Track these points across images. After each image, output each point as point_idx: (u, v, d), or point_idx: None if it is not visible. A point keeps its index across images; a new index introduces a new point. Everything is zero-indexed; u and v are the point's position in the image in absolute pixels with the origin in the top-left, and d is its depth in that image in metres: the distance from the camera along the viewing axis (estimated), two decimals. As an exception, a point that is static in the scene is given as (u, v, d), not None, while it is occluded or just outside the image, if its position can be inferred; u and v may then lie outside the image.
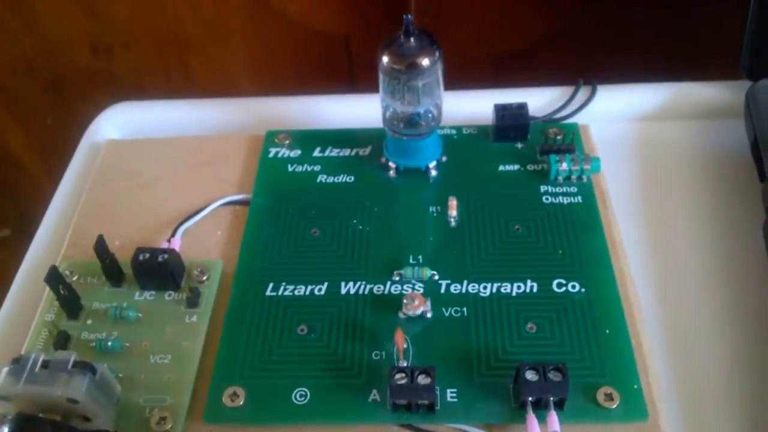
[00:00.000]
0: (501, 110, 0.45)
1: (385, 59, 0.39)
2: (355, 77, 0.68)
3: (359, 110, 0.50)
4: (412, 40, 0.39)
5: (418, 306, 0.36)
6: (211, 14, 0.64)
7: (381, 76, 0.40)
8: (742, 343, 0.38)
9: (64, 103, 0.72)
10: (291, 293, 0.38)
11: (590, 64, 0.58)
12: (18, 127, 0.75)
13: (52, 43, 0.67)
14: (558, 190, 0.42)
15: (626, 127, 0.49)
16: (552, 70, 0.52)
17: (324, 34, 0.65)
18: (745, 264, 0.41)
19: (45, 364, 0.31)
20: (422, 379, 0.32)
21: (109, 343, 0.36)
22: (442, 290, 0.38)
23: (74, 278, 0.39)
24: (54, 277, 0.36)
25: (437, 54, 0.39)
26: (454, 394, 0.34)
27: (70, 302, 0.37)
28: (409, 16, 0.38)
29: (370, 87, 0.49)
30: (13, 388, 0.30)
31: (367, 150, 0.45)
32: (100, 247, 0.37)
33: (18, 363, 0.31)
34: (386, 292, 0.38)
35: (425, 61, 0.39)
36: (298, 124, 0.49)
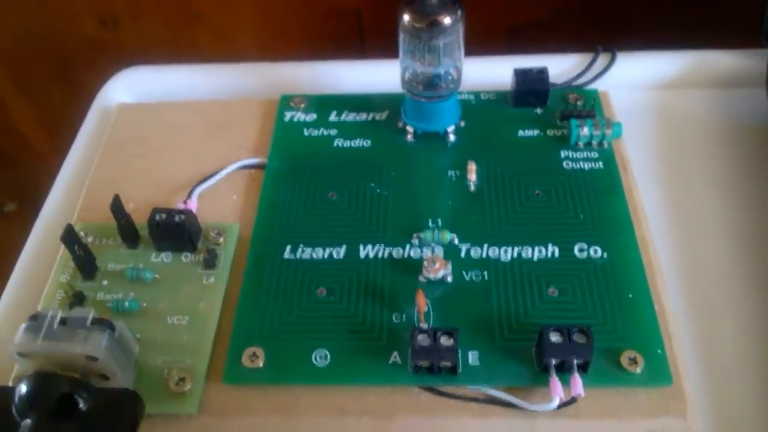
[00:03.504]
0: (521, 75, 0.44)
1: (406, 17, 0.38)
2: (366, 50, 0.67)
3: (372, 76, 0.49)
4: (434, -2, 0.38)
5: (439, 269, 0.36)
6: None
7: (401, 35, 0.39)
8: (764, 309, 0.37)
9: (71, 76, 0.71)
10: (309, 256, 0.38)
11: (605, 37, 0.57)
12: (24, 101, 0.74)
13: (60, 15, 0.66)
14: (578, 155, 0.42)
15: (645, 95, 0.48)
16: (567, 43, 0.51)
17: (335, 8, 0.64)
18: (764, 232, 0.40)
19: (63, 321, 0.31)
20: (445, 341, 0.32)
21: (126, 304, 0.35)
22: (462, 254, 0.37)
23: (89, 239, 0.39)
24: (70, 236, 0.35)
25: (459, 13, 0.38)
26: (476, 357, 0.33)
27: (85, 262, 0.37)
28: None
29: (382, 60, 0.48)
30: (32, 345, 0.30)
31: (384, 114, 0.45)
32: (117, 207, 0.37)
33: (36, 320, 0.31)
34: (405, 255, 0.38)
35: (447, 20, 0.38)
36: (309, 90, 0.48)
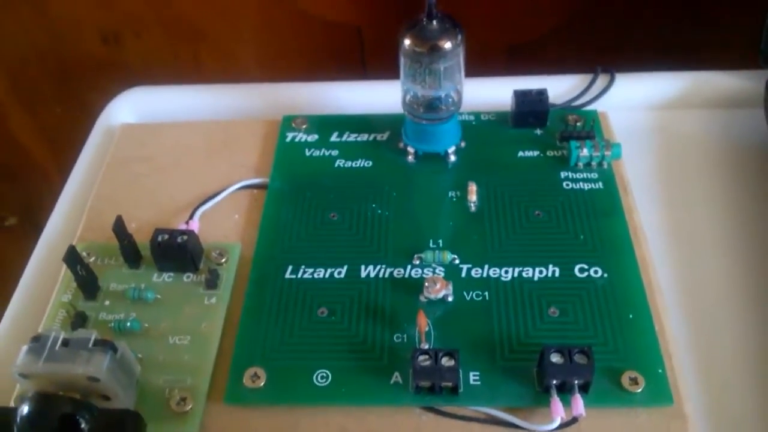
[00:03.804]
0: (521, 96, 0.44)
1: (407, 41, 0.39)
2: (367, 68, 0.68)
3: (373, 97, 0.50)
4: (434, 22, 0.38)
5: (440, 289, 0.36)
6: (222, 4, 0.64)
7: (402, 59, 0.40)
8: (763, 329, 0.37)
9: (73, 92, 0.71)
10: (310, 276, 0.38)
11: (604, 56, 0.58)
12: (26, 116, 0.75)
13: (63, 31, 0.66)
14: (578, 176, 0.42)
15: (644, 116, 0.49)
16: (565, 62, 0.52)
17: (336, 24, 0.65)
18: (764, 252, 0.41)
19: (65, 342, 0.31)
20: (446, 361, 0.32)
21: (128, 324, 0.36)
22: (463, 274, 0.38)
23: (91, 259, 0.39)
24: (72, 257, 0.36)
25: (459, 37, 0.39)
26: (477, 377, 0.33)
27: (87, 283, 0.37)
28: (433, -1, 0.38)
29: (383, 78, 0.49)
30: (34, 366, 0.30)
31: (385, 135, 0.45)
32: (119, 228, 0.37)
33: (38, 341, 0.31)
34: (406, 275, 0.38)
35: (447, 44, 0.38)
36: (311, 110, 0.48)
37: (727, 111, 0.49)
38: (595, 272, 0.37)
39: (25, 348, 0.31)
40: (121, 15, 0.65)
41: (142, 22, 0.66)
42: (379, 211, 0.41)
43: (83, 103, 0.70)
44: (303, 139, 0.45)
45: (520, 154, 0.44)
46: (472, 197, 0.41)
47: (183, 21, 0.65)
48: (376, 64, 0.67)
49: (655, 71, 0.50)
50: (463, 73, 0.41)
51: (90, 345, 0.31)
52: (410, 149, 0.43)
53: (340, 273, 0.38)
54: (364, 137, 0.45)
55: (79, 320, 0.36)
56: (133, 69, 0.69)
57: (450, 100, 0.41)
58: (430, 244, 0.39)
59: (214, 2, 0.64)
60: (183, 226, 0.40)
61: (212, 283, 0.37)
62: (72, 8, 0.65)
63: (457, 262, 0.38)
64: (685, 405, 0.33)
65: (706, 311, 0.38)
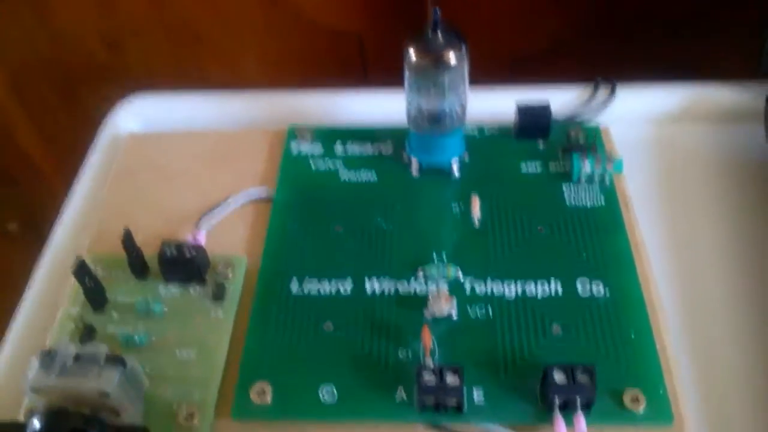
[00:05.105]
0: (524, 110, 0.45)
1: (411, 54, 0.39)
2: (369, 76, 0.68)
3: (376, 106, 0.50)
4: (439, 35, 0.39)
5: (445, 305, 0.36)
6: (224, 11, 0.64)
7: (406, 72, 0.40)
8: (765, 347, 0.38)
9: (75, 98, 0.71)
10: (316, 289, 0.38)
11: (605, 68, 0.58)
12: (27, 120, 0.75)
13: (66, 38, 0.67)
14: (580, 191, 0.42)
15: (645, 129, 0.49)
16: (567, 72, 0.52)
17: (337, 32, 0.65)
18: (766, 267, 0.41)
19: (76, 358, 0.31)
20: (451, 380, 0.33)
21: (136, 338, 0.36)
22: (467, 290, 0.38)
23: (98, 271, 0.39)
24: (81, 270, 0.36)
25: (464, 49, 0.39)
26: (481, 394, 0.34)
27: (95, 295, 0.37)
28: (438, 10, 0.38)
29: (385, 85, 0.49)
30: (45, 381, 0.31)
31: (389, 147, 0.46)
32: (128, 241, 0.37)
33: (49, 356, 0.31)
34: (411, 290, 0.38)
35: (452, 57, 0.39)
36: (315, 118, 0.49)
37: (729, 124, 0.49)
38: (597, 289, 0.38)
39: (36, 363, 0.31)
40: (123, 20, 0.65)
41: (144, 28, 0.66)
42: (384, 225, 0.41)
43: (85, 108, 0.70)
44: (308, 151, 0.46)
45: (523, 167, 0.44)
46: (476, 211, 0.41)
47: (185, 26, 0.65)
48: (377, 71, 0.67)
49: (656, 82, 0.50)
50: (467, 85, 0.41)
51: (101, 360, 0.31)
52: (414, 162, 0.44)
53: (345, 286, 0.38)
54: (369, 149, 0.45)
55: (88, 333, 0.36)
56: (135, 74, 0.69)
57: (455, 114, 0.41)
58: (434, 258, 0.40)
59: (216, 7, 0.64)
60: (189, 238, 0.40)
61: (219, 295, 0.38)
62: (74, 14, 0.65)
63: (460, 276, 0.38)
64: (685, 424, 0.33)
65: (707, 328, 0.39)
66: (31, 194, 0.79)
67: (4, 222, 0.84)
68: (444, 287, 0.38)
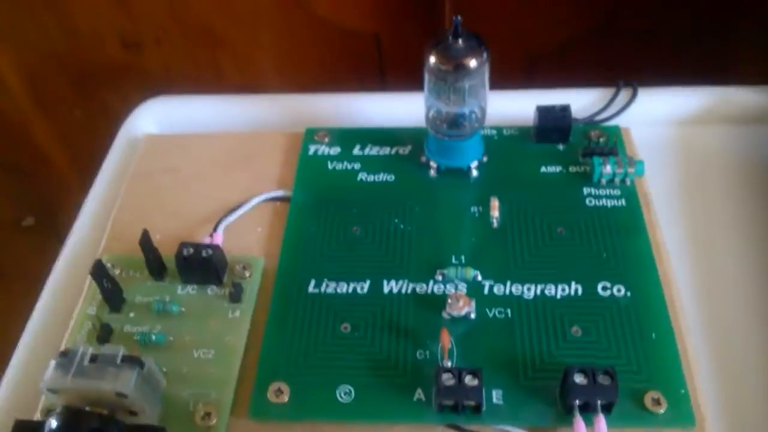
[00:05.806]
0: (544, 112, 0.44)
1: (432, 59, 0.39)
2: (385, 75, 0.68)
3: (393, 109, 0.50)
4: (460, 41, 0.38)
5: (463, 306, 0.36)
6: (241, 11, 0.64)
7: (426, 76, 0.40)
8: (787, 349, 0.37)
9: (92, 96, 0.72)
10: (333, 290, 0.38)
11: (622, 66, 0.58)
12: (45, 118, 0.75)
13: (84, 36, 0.67)
14: (601, 192, 0.42)
15: (666, 131, 0.49)
16: (586, 74, 0.52)
17: (354, 32, 0.65)
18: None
19: (93, 358, 0.31)
20: (470, 380, 0.32)
21: (153, 337, 0.36)
22: (486, 291, 0.38)
23: (116, 271, 0.39)
24: (99, 271, 0.36)
25: (485, 55, 0.39)
26: (500, 396, 0.34)
27: (113, 295, 0.37)
28: (459, 17, 0.38)
29: (401, 85, 0.49)
30: (62, 382, 0.30)
31: (407, 149, 0.45)
32: (146, 242, 0.37)
33: (66, 356, 0.31)
34: (429, 291, 0.38)
35: (473, 63, 0.38)
36: (332, 122, 0.49)
37: (750, 127, 0.48)
38: (618, 291, 0.37)
39: (53, 363, 0.31)
40: (142, 21, 0.66)
41: (163, 29, 0.66)
42: (402, 226, 0.41)
43: (102, 107, 0.70)
44: (325, 152, 0.45)
45: (543, 169, 0.44)
46: (495, 213, 0.41)
47: (202, 27, 0.66)
48: (394, 71, 0.67)
49: (678, 86, 0.50)
50: (487, 89, 0.41)
51: (118, 361, 0.31)
52: (432, 164, 0.43)
53: (362, 288, 0.38)
54: (387, 151, 0.45)
55: (105, 333, 0.36)
56: (152, 74, 0.69)
57: (473, 116, 0.41)
58: (453, 260, 0.39)
59: (234, 9, 0.64)
60: (207, 239, 0.40)
61: (236, 296, 0.37)
62: (93, 14, 0.65)
63: (479, 278, 0.38)
64: (706, 426, 0.33)
65: (729, 330, 0.38)
66: (48, 190, 0.79)
67: (21, 216, 0.84)
68: (462, 288, 0.38)
